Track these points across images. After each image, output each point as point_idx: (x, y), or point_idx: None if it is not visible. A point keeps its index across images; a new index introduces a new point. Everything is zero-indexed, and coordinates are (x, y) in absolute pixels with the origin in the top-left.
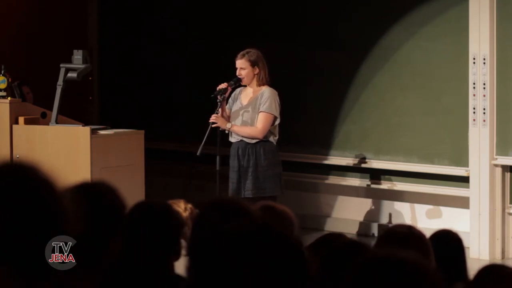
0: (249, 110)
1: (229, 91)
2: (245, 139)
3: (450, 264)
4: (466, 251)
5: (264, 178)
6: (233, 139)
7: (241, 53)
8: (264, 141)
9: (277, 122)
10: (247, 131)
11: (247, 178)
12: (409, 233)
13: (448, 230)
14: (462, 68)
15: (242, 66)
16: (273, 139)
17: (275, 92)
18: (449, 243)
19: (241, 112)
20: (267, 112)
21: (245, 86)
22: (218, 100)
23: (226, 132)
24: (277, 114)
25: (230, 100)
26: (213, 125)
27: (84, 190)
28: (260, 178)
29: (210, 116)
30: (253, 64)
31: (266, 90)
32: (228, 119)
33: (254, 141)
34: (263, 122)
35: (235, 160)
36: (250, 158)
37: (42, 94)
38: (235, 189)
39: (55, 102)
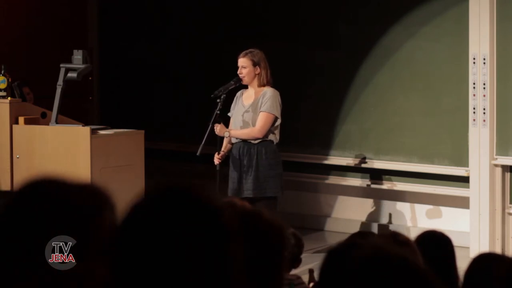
0: (250, 110)
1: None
2: (247, 139)
3: (438, 265)
4: (466, 251)
5: (265, 178)
6: (234, 140)
7: (244, 51)
8: (266, 141)
9: (278, 122)
10: (246, 132)
11: (247, 178)
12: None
13: (434, 231)
14: (462, 68)
15: (243, 64)
16: (274, 139)
17: (277, 93)
18: (436, 244)
19: (242, 113)
20: (268, 112)
21: (246, 87)
22: (218, 100)
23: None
24: (278, 114)
25: (232, 104)
26: (226, 137)
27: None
28: (260, 178)
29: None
30: (255, 64)
31: (268, 91)
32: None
33: (256, 141)
34: (263, 121)
35: (237, 160)
36: (251, 158)
37: (42, 94)
38: (235, 188)
39: (55, 102)
